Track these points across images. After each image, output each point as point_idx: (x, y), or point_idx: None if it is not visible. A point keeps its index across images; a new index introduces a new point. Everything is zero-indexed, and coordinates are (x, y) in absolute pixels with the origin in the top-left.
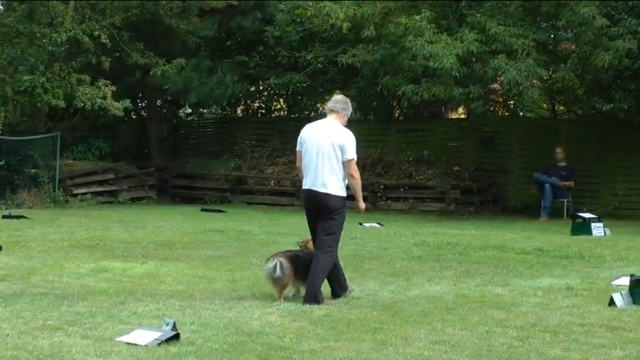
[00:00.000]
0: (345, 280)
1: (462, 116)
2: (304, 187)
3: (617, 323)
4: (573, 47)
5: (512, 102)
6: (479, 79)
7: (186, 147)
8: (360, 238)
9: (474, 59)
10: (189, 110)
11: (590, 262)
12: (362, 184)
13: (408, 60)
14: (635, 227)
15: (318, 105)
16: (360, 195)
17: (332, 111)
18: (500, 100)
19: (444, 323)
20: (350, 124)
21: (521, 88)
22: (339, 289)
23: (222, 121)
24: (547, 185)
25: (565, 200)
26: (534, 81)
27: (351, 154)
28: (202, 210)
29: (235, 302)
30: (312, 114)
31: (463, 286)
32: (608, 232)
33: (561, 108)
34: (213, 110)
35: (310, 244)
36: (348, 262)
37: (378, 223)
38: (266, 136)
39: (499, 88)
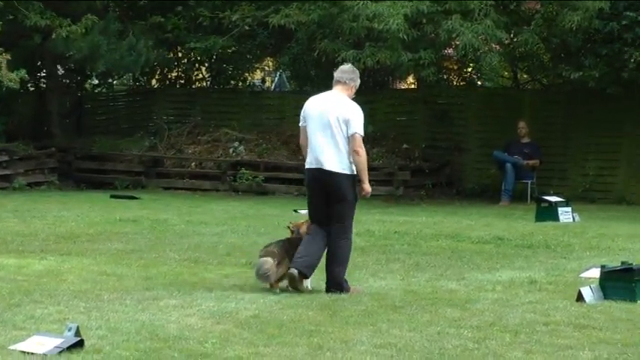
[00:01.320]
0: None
1: (412, 86)
2: (307, 165)
3: (586, 321)
4: (538, 7)
5: (468, 70)
6: (430, 43)
7: (92, 124)
8: None
9: (424, 20)
10: (97, 81)
11: (557, 251)
12: (296, 165)
13: (349, 21)
14: (607, 212)
15: (246, 74)
16: (365, 175)
17: (338, 82)
18: (455, 67)
19: (389, 324)
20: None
21: (478, 53)
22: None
23: (135, 94)
24: (508, 165)
25: (529, 182)
26: (493, 45)
27: (356, 128)
28: (112, 196)
29: (149, 303)
30: (240, 84)
31: (412, 281)
32: (577, 218)
33: (524, 76)
34: (125, 81)
35: (304, 228)
36: None
37: None
38: (186, 110)
39: (453, 54)
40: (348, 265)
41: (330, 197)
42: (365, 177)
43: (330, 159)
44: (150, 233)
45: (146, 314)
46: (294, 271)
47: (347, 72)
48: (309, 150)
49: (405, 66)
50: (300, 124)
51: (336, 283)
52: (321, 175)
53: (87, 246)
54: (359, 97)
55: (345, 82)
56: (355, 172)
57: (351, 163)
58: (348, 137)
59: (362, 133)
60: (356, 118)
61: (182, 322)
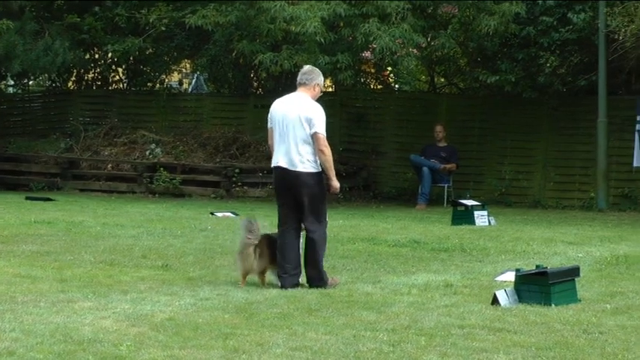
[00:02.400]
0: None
1: (329, 89)
2: (274, 164)
3: (501, 324)
4: (455, 11)
5: (386, 73)
6: (348, 46)
7: (7, 125)
8: (212, 230)
9: (342, 23)
10: (12, 82)
11: (472, 255)
12: (213, 168)
13: (267, 23)
14: (522, 216)
15: (164, 76)
16: (332, 172)
17: (300, 84)
18: (373, 71)
19: (305, 327)
20: (201, 98)
21: (395, 57)
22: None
23: (51, 95)
24: (425, 168)
25: (445, 185)
26: (411, 49)
27: (318, 127)
28: (27, 198)
29: (64, 305)
30: (157, 86)
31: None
32: (493, 222)
33: (441, 80)
34: (41, 82)
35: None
36: (198, 257)
37: (233, 213)
38: (102, 112)
39: (371, 58)
40: (324, 258)
41: (298, 195)
42: (332, 174)
43: (293, 159)
44: (65, 235)
45: (60, 317)
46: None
47: (306, 73)
48: (275, 150)
49: (322, 69)
50: (268, 126)
51: (317, 278)
52: (286, 174)
53: (1, 248)
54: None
55: (305, 83)
56: (320, 170)
57: (315, 161)
58: (312, 136)
59: (324, 133)
60: (317, 117)
61: (97, 325)
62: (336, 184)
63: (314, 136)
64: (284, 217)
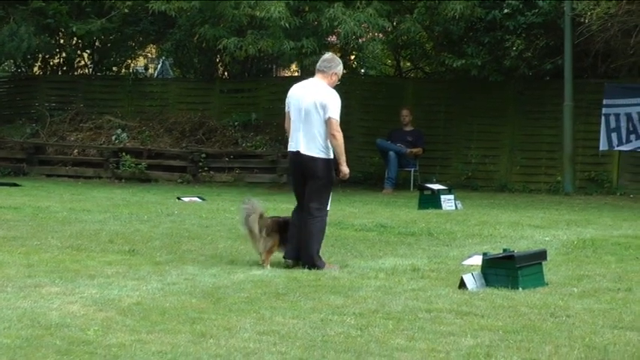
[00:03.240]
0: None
1: (295, 74)
2: (289, 149)
3: (468, 308)
4: None
5: (351, 58)
6: (313, 31)
7: None
8: (178, 215)
9: (306, 8)
10: None
11: (439, 239)
12: (180, 152)
13: (231, 8)
14: (489, 199)
15: (129, 61)
16: (343, 158)
17: (318, 71)
18: (339, 55)
19: (272, 311)
20: (167, 82)
21: (360, 41)
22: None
23: (17, 80)
24: (391, 153)
25: (412, 170)
26: (376, 34)
27: (332, 113)
28: None
29: (31, 290)
30: (122, 71)
31: (295, 269)
32: (459, 206)
33: (407, 65)
34: (6, 67)
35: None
36: (165, 242)
37: (199, 197)
38: (68, 97)
39: (336, 42)
40: (321, 243)
41: (306, 178)
42: (343, 159)
43: (306, 143)
44: (32, 220)
45: (28, 302)
46: (290, 261)
47: (326, 60)
48: (290, 135)
49: (288, 54)
50: (285, 110)
51: (309, 259)
52: (299, 158)
53: None
54: (242, 84)
55: (323, 71)
56: (332, 156)
57: (327, 147)
58: (325, 122)
59: (337, 118)
60: (332, 103)
61: (64, 310)
62: (345, 169)
63: (327, 121)
64: (297, 196)
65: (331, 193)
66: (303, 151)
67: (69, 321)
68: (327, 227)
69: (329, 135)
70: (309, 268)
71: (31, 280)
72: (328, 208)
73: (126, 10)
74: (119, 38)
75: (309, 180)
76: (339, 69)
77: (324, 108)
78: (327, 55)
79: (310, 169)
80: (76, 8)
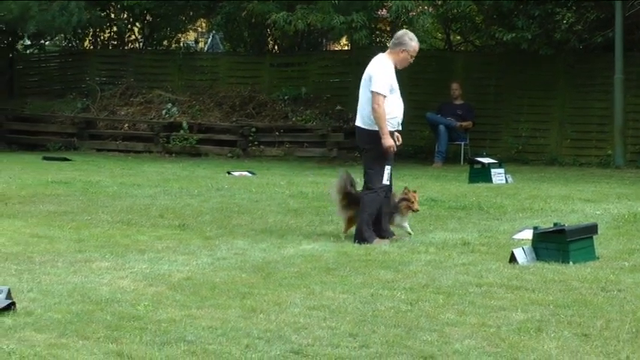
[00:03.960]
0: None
1: (345, 48)
2: (392, 128)
3: (519, 282)
4: None
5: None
6: (362, 5)
7: (24, 85)
8: (228, 189)
9: None
10: (29, 42)
11: (490, 213)
12: (230, 127)
13: None
14: (539, 173)
15: (180, 35)
16: (383, 131)
17: (389, 47)
18: (388, 29)
19: (322, 286)
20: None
21: (410, 15)
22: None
23: (67, 55)
24: (441, 126)
25: (462, 143)
26: (426, 7)
27: (375, 86)
28: (44, 158)
29: (81, 265)
30: (173, 46)
31: (345, 243)
32: (510, 180)
33: (457, 38)
34: (57, 42)
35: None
36: (215, 216)
37: (249, 172)
38: (119, 71)
39: (386, 16)
40: (370, 217)
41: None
42: (383, 132)
43: (358, 114)
44: (82, 195)
45: (78, 277)
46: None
47: (397, 38)
48: None
49: (338, 29)
50: None
51: (357, 232)
52: (356, 131)
53: (18, 208)
54: (291, 58)
55: (391, 47)
56: (375, 129)
57: (372, 119)
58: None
59: (380, 90)
60: (377, 75)
61: (114, 285)
62: (386, 142)
63: (372, 94)
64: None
65: (387, 167)
66: (357, 124)
67: (119, 296)
68: (376, 203)
69: (372, 107)
70: (359, 242)
71: (81, 255)
72: (385, 183)
73: None
74: (169, 12)
75: (363, 152)
76: (410, 46)
77: (370, 80)
78: (400, 32)
79: (360, 140)
80: None
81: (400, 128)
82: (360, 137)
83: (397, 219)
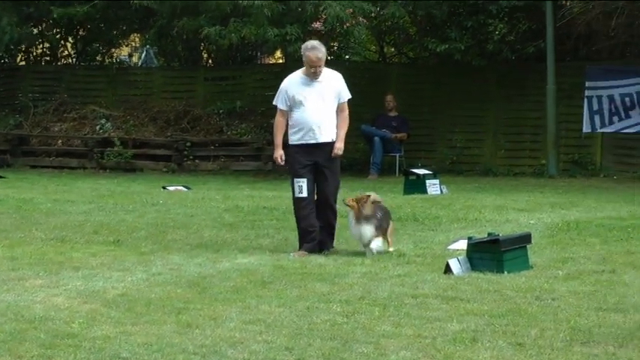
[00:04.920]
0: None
1: (280, 61)
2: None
3: (454, 293)
4: None
5: (335, 44)
6: (297, 17)
7: None
8: (164, 204)
9: None
10: None
11: (425, 224)
12: (165, 141)
13: None
14: (474, 184)
15: (113, 50)
16: (275, 142)
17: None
18: (323, 42)
19: (258, 300)
20: (151, 71)
21: (345, 27)
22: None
23: None
24: (376, 138)
25: (397, 155)
26: (360, 19)
27: (348, 94)
28: None
29: (15, 283)
30: (106, 60)
31: (281, 257)
32: (444, 190)
33: (391, 50)
34: None
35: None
36: (150, 232)
37: (185, 187)
38: (52, 87)
39: (321, 28)
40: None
41: (324, 164)
42: (274, 143)
43: (323, 130)
44: (15, 213)
45: (11, 295)
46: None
47: (317, 49)
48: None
49: (272, 42)
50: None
51: (331, 243)
52: (315, 145)
53: None
54: (226, 72)
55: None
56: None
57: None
58: (339, 105)
59: (275, 104)
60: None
61: (48, 303)
62: (274, 153)
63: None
64: (309, 188)
65: (295, 180)
66: (320, 138)
67: (53, 314)
68: None
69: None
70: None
71: (14, 273)
72: (297, 196)
73: None
74: (102, 26)
75: (329, 164)
76: (306, 56)
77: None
78: (316, 42)
79: (324, 155)
80: None
81: (322, 140)
82: (327, 151)
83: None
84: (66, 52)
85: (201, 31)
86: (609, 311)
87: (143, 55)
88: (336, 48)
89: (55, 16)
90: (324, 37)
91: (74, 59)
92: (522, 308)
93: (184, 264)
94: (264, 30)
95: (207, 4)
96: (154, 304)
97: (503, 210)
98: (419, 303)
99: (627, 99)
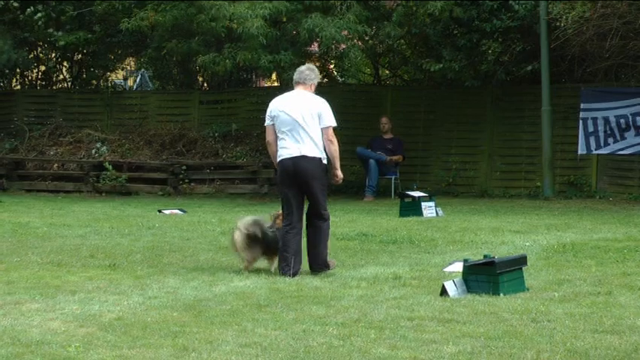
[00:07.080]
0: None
1: (275, 84)
2: (283, 157)
3: (450, 315)
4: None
5: (330, 67)
6: (291, 42)
7: None
8: (159, 228)
9: (284, 19)
10: None
11: (421, 246)
12: (160, 165)
13: (208, 22)
14: (469, 205)
15: (108, 74)
16: (338, 162)
17: (298, 83)
18: (318, 64)
19: (254, 323)
20: (146, 95)
21: (341, 49)
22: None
23: None
24: (372, 161)
25: (392, 177)
26: (356, 41)
27: (329, 121)
28: None
29: (11, 307)
30: (101, 84)
31: (277, 280)
32: (440, 213)
33: (386, 72)
34: None
35: (279, 220)
36: (146, 255)
37: (180, 210)
38: (47, 111)
39: (316, 51)
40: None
41: (306, 183)
42: (338, 164)
43: (307, 147)
44: (11, 237)
45: (7, 319)
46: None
47: (303, 72)
48: (280, 145)
49: (265, 67)
50: (266, 123)
51: (324, 262)
52: (297, 164)
53: None
54: (221, 95)
55: (304, 82)
56: (326, 162)
57: (323, 151)
58: (322, 129)
59: (334, 124)
60: (327, 111)
61: (44, 327)
62: (340, 174)
63: (325, 130)
64: (288, 209)
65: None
66: (306, 153)
67: (49, 338)
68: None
69: (326, 142)
70: (322, 271)
71: (10, 297)
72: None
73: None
74: (98, 51)
75: (311, 182)
76: (317, 81)
77: (319, 116)
78: (303, 66)
79: (311, 171)
80: (54, 21)
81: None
82: (312, 167)
83: None
84: (61, 77)
85: (194, 56)
86: (605, 333)
87: (138, 78)
88: (331, 70)
89: (61, 44)
90: (318, 60)
91: (69, 83)
92: (518, 330)
93: (180, 287)
94: (258, 56)
95: (201, 27)
96: (150, 327)
97: (499, 232)
98: (415, 325)
99: (622, 120)
